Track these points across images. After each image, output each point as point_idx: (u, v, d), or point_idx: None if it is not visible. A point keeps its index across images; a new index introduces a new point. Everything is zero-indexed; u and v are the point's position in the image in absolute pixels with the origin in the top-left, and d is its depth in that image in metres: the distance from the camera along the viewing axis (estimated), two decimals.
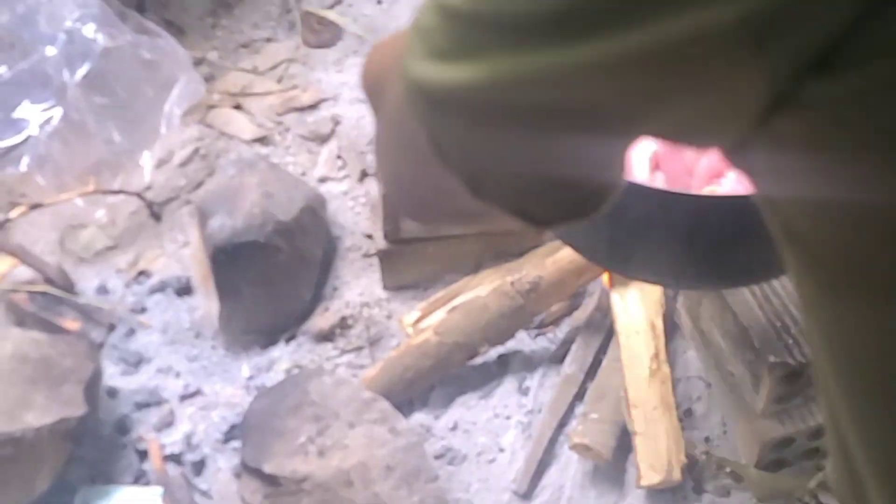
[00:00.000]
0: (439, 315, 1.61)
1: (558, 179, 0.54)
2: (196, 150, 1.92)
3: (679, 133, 0.49)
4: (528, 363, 1.62)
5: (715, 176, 1.35)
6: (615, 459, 1.49)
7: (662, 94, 0.45)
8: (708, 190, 1.28)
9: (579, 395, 1.56)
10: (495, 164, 0.53)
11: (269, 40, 2.14)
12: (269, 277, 1.65)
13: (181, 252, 1.81)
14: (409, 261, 1.69)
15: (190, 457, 1.55)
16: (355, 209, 1.84)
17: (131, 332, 1.71)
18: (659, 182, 1.34)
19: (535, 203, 0.56)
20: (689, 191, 1.23)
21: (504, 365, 1.63)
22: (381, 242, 1.67)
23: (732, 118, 0.45)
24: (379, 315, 1.70)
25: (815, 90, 0.42)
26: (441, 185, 0.56)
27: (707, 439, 1.52)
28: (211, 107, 1.99)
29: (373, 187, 1.84)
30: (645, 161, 1.36)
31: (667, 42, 0.41)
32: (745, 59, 0.41)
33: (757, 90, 0.42)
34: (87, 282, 1.77)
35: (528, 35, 0.44)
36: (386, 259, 1.68)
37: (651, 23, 0.41)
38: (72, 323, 1.67)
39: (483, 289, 1.61)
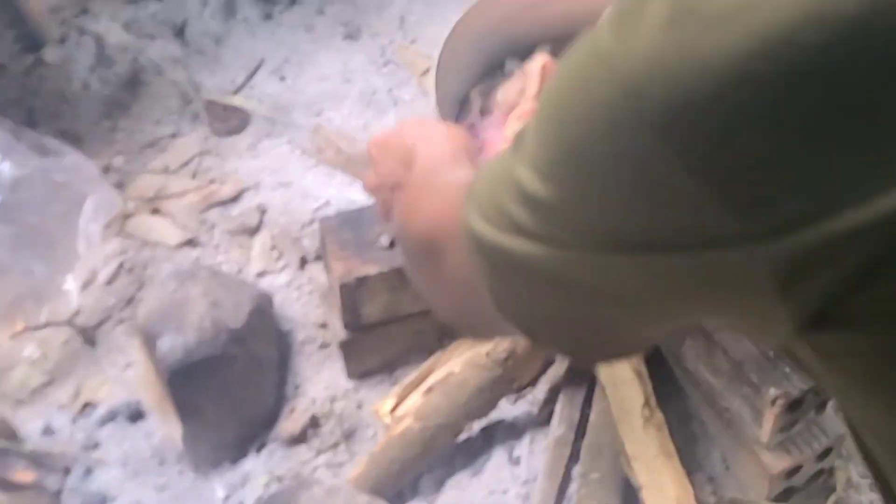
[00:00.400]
0: (415, 399, 1.54)
1: (603, 338, 0.60)
2: (121, 265, 1.82)
3: (726, 328, 0.55)
4: (514, 431, 1.57)
5: None
6: None
7: (691, 303, 0.51)
8: None
9: (574, 456, 1.51)
10: (546, 319, 0.59)
11: (174, 136, 2.05)
12: (229, 388, 1.56)
13: (125, 375, 1.71)
14: (371, 346, 1.62)
15: None
16: (302, 299, 1.76)
17: (89, 472, 1.59)
18: None
19: (580, 349, 0.63)
20: None
21: (489, 437, 1.57)
22: (340, 333, 1.60)
23: (763, 333, 0.51)
24: (349, 407, 1.62)
25: (828, 334, 0.47)
26: (496, 320, 0.62)
27: (710, 479, 1.48)
28: (128, 216, 1.89)
29: (317, 273, 1.77)
30: None
31: (698, 267, 0.47)
32: (769, 296, 0.46)
33: (781, 318, 0.47)
34: (30, 424, 1.65)
35: (580, 245, 0.51)
36: (348, 348, 1.61)
37: (683, 252, 0.46)
38: (24, 474, 1.55)
39: (455, 364, 1.55)
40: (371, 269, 1.49)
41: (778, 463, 1.36)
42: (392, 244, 1.51)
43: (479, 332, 0.81)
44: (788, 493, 1.42)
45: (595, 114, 0.46)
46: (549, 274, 0.52)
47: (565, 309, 0.56)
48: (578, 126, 0.47)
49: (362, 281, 1.50)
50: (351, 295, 1.51)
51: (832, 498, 1.39)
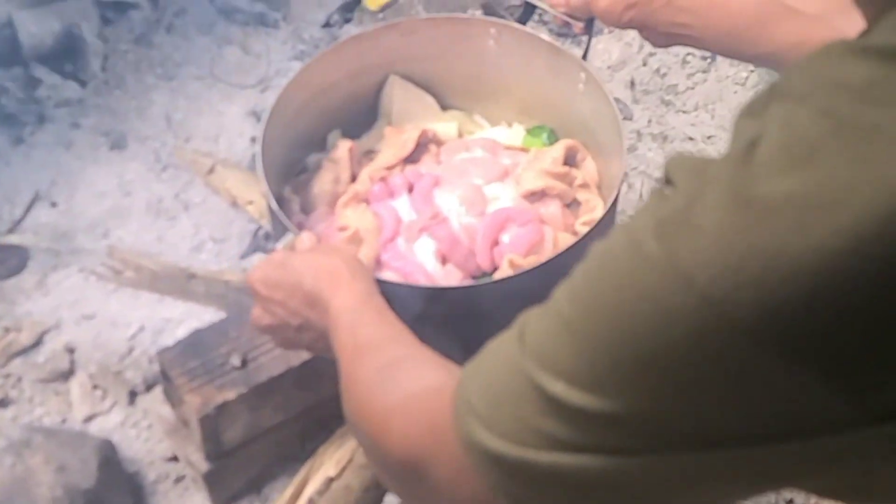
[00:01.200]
0: None
1: None
2: None
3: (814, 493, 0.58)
4: None
5: (493, 245, 1.39)
6: None
7: (787, 482, 0.50)
8: (507, 259, 1.39)
9: None
10: None
11: None
12: None
13: None
14: (235, 469, 1.54)
15: None
16: (141, 436, 1.65)
17: None
18: (451, 272, 1.41)
19: None
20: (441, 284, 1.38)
21: None
22: (199, 463, 1.51)
23: (871, 498, 0.51)
24: None
25: None
26: None
27: None
28: None
29: (150, 404, 1.66)
30: (432, 256, 1.37)
31: (806, 453, 0.46)
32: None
33: None
34: None
35: (657, 449, 0.49)
36: (211, 478, 1.52)
37: (788, 441, 0.46)
38: None
39: (329, 467, 1.50)
40: (229, 395, 1.42)
41: None
42: (244, 363, 1.44)
43: None
44: None
45: (670, 324, 0.45)
46: (609, 482, 0.51)
47: None
48: (650, 337, 0.46)
49: (222, 408, 1.42)
50: (212, 425, 1.43)
51: None
